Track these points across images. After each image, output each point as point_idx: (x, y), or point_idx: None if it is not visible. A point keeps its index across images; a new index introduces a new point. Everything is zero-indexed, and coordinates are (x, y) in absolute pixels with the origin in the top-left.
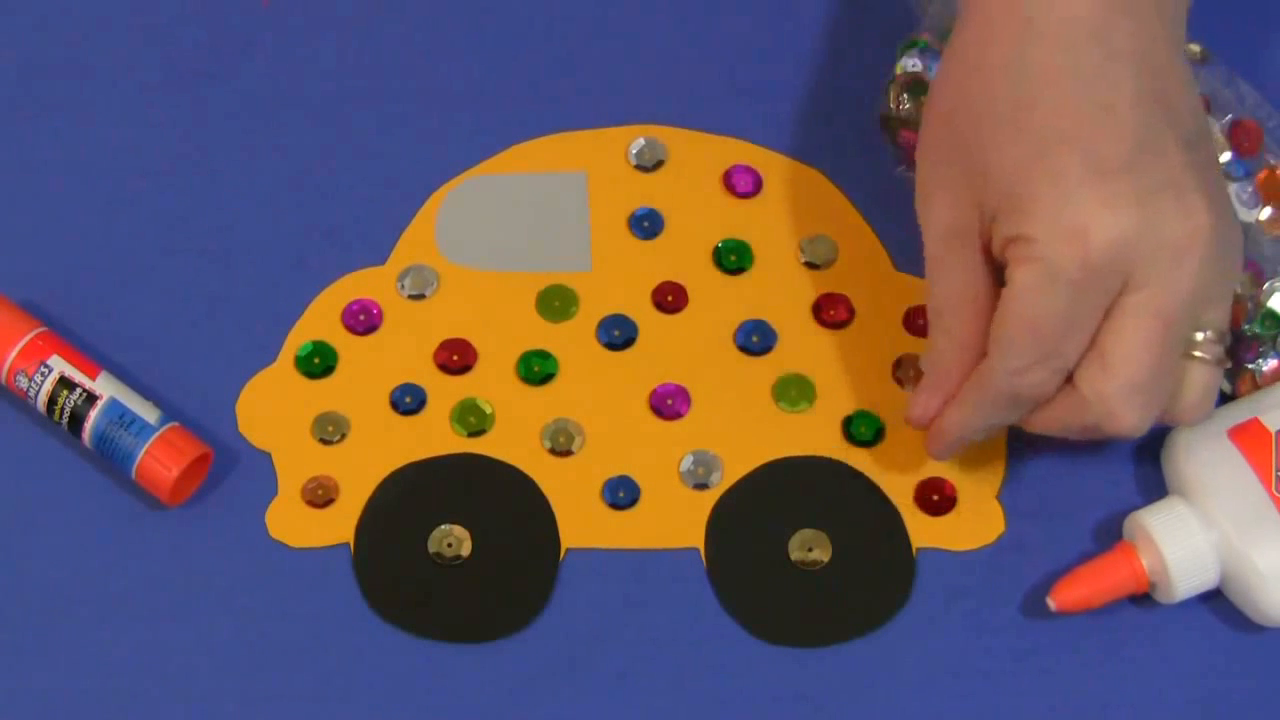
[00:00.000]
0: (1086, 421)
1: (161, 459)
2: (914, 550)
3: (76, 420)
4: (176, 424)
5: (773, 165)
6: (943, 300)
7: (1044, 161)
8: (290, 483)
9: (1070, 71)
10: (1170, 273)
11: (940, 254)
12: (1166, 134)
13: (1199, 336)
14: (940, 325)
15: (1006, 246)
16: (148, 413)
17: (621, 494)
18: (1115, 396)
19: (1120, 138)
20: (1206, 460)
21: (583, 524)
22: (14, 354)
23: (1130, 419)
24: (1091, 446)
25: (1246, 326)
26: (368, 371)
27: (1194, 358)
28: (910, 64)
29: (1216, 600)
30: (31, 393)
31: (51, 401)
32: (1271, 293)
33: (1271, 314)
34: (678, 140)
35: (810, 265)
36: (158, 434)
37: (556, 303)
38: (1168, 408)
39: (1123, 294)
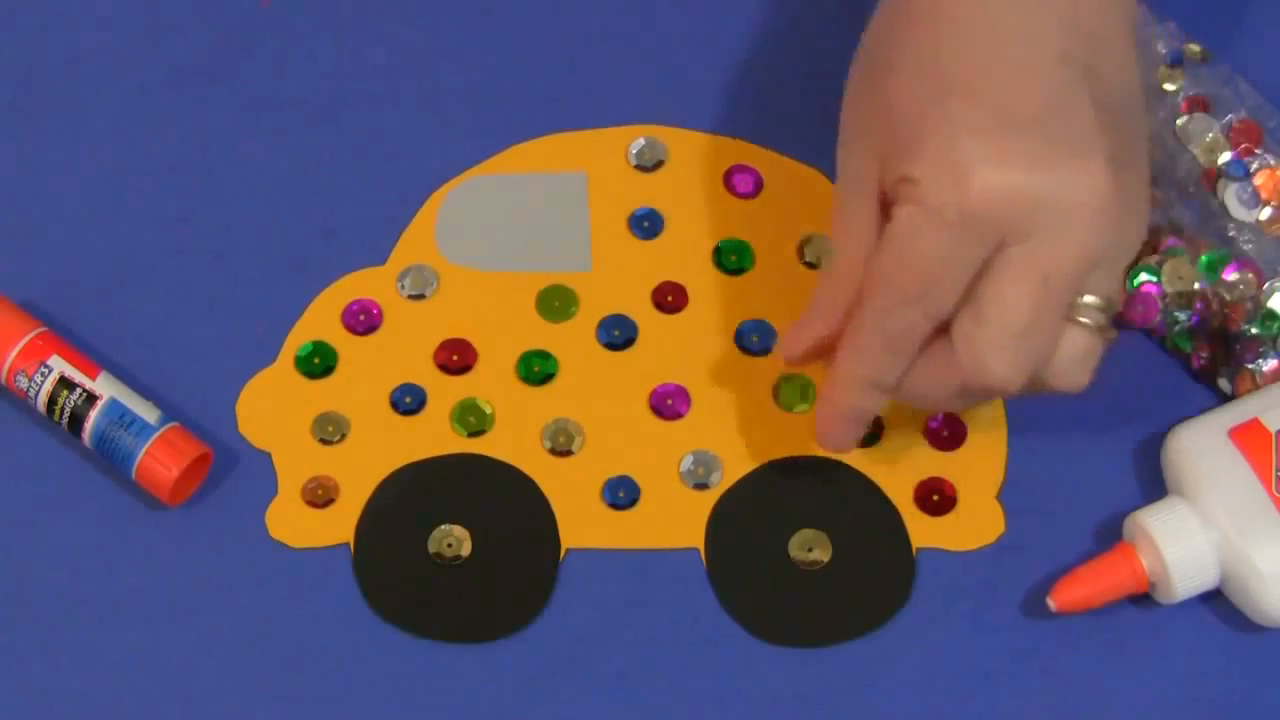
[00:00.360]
0: (958, 377)
1: (161, 459)
2: (914, 550)
3: (76, 420)
4: (176, 424)
5: (773, 165)
6: (836, 246)
7: (942, 106)
8: (290, 483)
9: (991, 25)
10: (1057, 231)
11: (841, 201)
12: (1081, 97)
13: (1084, 300)
14: (828, 269)
15: (894, 187)
16: (148, 413)
17: (621, 494)
18: (985, 346)
19: (1028, 93)
20: (1206, 460)
21: (583, 524)
22: (14, 354)
23: (999, 371)
24: (1091, 445)
25: (1246, 326)
26: (368, 371)
27: (1074, 321)
28: None
29: (1216, 600)
30: (31, 393)
31: (51, 401)
32: (1271, 293)
33: (1271, 314)
34: (678, 140)
35: (810, 265)
36: (158, 434)
37: (556, 303)
38: (1043, 371)
39: (1005, 246)
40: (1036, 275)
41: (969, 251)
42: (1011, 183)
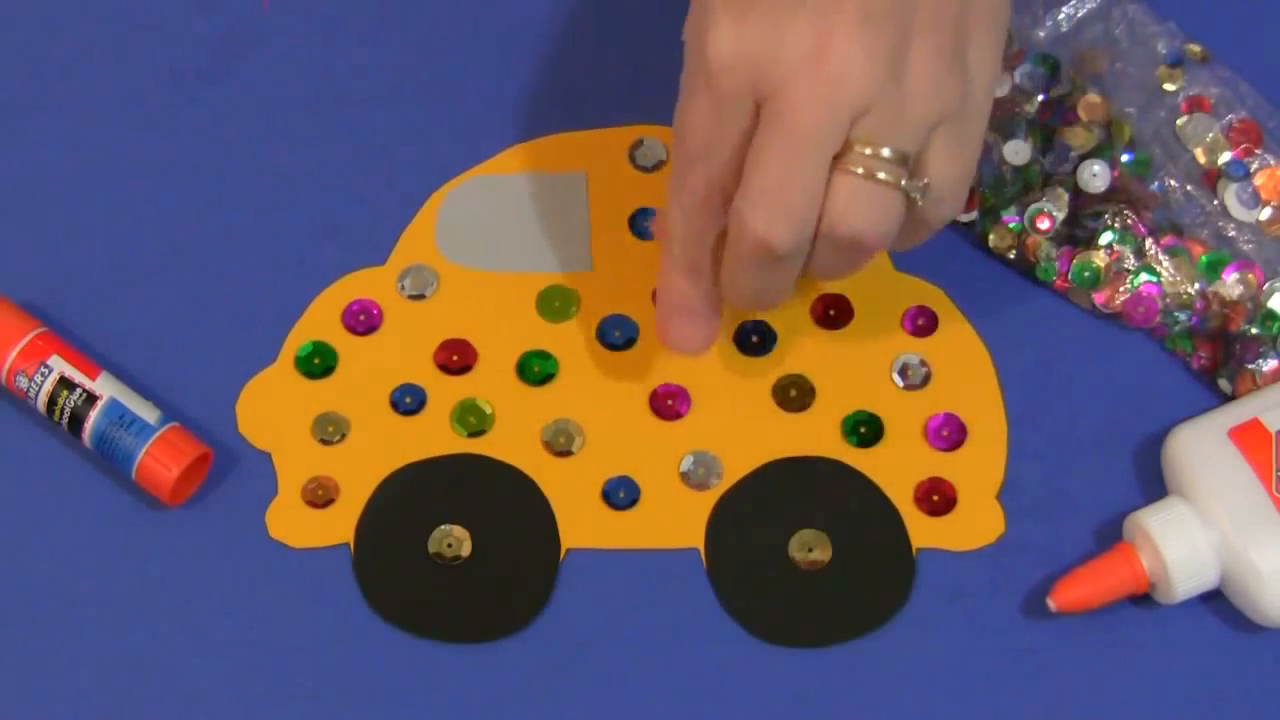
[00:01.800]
0: (735, 246)
1: (161, 459)
2: (914, 550)
3: (76, 420)
4: (176, 424)
5: None
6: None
7: None
8: (290, 483)
9: None
10: (796, 85)
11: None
12: None
13: (856, 150)
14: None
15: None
16: (148, 413)
17: (621, 494)
18: (744, 203)
19: None
20: (1206, 460)
21: (583, 524)
22: (14, 354)
23: (758, 226)
24: (1091, 445)
25: (1246, 326)
26: (368, 371)
27: (846, 171)
28: None
29: (1216, 600)
30: (31, 393)
31: (51, 402)
32: (1271, 293)
33: (1271, 314)
34: None
35: None
36: (158, 434)
37: (556, 303)
38: (824, 225)
39: (760, 106)
40: (780, 130)
41: (726, 114)
42: (746, 42)
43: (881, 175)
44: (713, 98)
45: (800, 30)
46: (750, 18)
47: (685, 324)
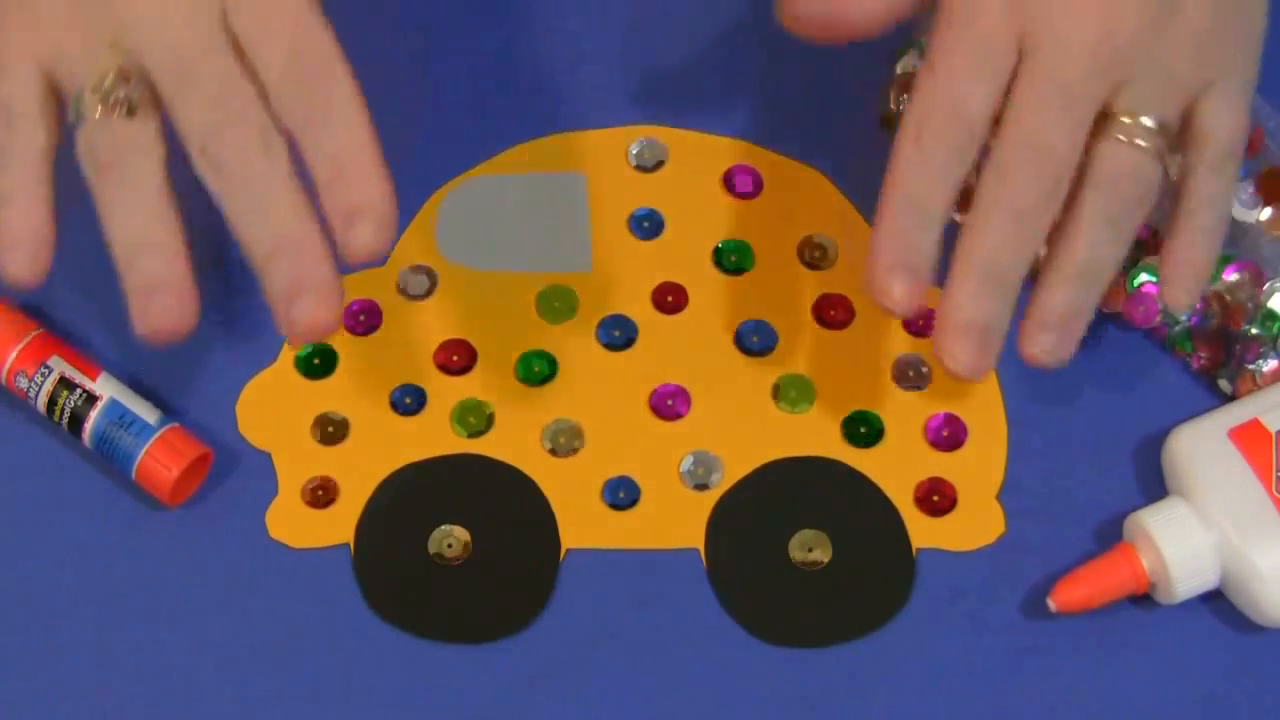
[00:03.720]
0: (992, 193)
1: (161, 459)
2: (914, 550)
3: (76, 421)
4: (176, 424)
5: (773, 165)
6: None
7: None
8: (290, 483)
9: None
10: (1059, 34)
11: None
12: None
13: (1125, 120)
14: None
15: None
16: (148, 413)
17: (621, 494)
18: (1006, 150)
19: None
20: (1206, 460)
21: (583, 524)
22: (14, 354)
23: (1020, 178)
24: (1091, 445)
25: (1246, 326)
26: (368, 371)
27: (1111, 138)
28: (910, 64)
29: (1216, 600)
30: (31, 393)
31: (51, 402)
32: (1271, 293)
33: (1271, 314)
34: (678, 140)
35: (810, 265)
36: (158, 434)
37: (556, 303)
38: (1088, 188)
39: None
40: (1045, 79)
41: (996, 65)
42: None
43: (1157, 150)
44: (988, 49)
45: None
46: None
47: (907, 279)
